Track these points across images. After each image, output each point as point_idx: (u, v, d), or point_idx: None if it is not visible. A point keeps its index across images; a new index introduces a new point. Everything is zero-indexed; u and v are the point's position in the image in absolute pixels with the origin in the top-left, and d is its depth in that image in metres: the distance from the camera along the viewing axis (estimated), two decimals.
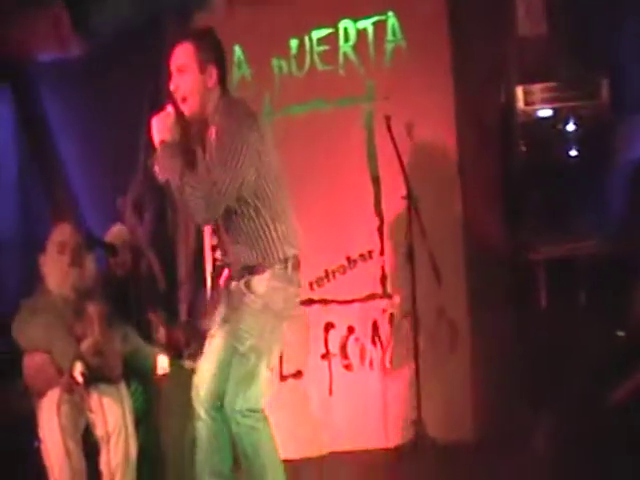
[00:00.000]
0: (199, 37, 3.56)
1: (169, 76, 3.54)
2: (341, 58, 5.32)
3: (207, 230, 3.70)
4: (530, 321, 4.96)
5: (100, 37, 5.27)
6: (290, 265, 3.55)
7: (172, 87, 3.51)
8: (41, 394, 4.18)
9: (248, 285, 3.51)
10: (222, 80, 3.56)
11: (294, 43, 5.35)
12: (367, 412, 5.24)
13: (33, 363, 4.20)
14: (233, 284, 3.61)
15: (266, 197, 3.50)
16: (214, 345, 3.67)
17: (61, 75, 5.56)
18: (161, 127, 3.44)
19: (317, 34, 5.33)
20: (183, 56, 3.50)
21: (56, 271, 4.36)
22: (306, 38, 5.34)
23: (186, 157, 3.38)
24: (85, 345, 4.16)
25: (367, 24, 5.30)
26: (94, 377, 4.14)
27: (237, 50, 5.35)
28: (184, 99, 3.49)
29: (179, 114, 3.46)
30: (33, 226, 5.33)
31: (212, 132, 3.47)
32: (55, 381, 4.14)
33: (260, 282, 3.51)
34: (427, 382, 4.99)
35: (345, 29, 5.31)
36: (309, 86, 5.33)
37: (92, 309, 4.25)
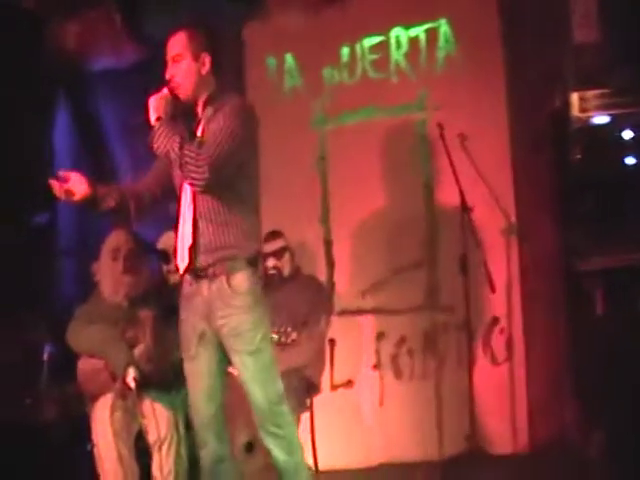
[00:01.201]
0: (192, 27, 3.62)
1: (165, 67, 3.61)
2: (392, 66, 5.32)
3: None
4: (586, 330, 4.86)
5: (155, 43, 5.32)
6: (259, 259, 3.66)
7: (167, 76, 3.58)
8: (94, 399, 4.19)
9: (230, 285, 3.49)
10: (215, 68, 3.61)
11: (345, 51, 5.36)
12: (418, 423, 5.18)
13: (87, 368, 4.21)
14: (206, 289, 3.53)
15: (252, 187, 3.61)
16: (206, 367, 3.59)
17: (116, 79, 5.62)
18: (156, 106, 3.50)
19: (368, 42, 5.34)
20: (177, 46, 3.58)
21: (110, 278, 4.37)
22: (357, 46, 5.34)
23: (182, 132, 3.46)
24: (138, 351, 4.16)
25: (419, 32, 5.29)
26: (146, 383, 4.13)
27: (289, 58, 5.38)
28: (178, 85, 3.56)
29: (174, 97, 3.54)
30: (89, 230, 5.36)
31: (209, 112, 3.55)
32: (108, 387, 4.14)
33: (242, 280, 3.50)
34: (480, 393, 4.91)
35: (397, 37, 5.30)
36: (361, 94, 5.33)
37: (145, 315, 4.24)
